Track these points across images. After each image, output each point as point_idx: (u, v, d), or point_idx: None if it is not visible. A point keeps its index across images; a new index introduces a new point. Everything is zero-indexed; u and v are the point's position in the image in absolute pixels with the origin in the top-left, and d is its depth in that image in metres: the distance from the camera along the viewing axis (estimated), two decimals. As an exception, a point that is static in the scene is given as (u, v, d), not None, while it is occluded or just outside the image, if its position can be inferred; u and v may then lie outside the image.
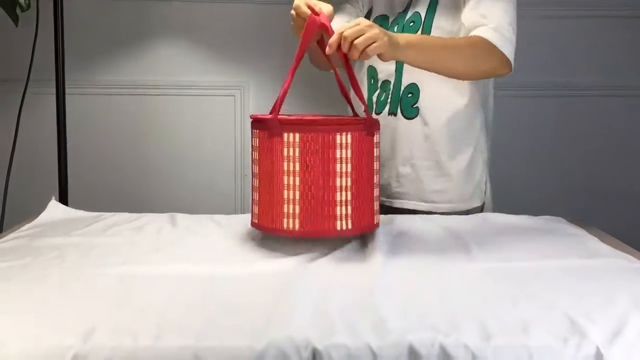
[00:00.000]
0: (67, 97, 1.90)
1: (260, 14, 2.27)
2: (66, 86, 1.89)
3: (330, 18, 1.28)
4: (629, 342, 0.85)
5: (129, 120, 2.32)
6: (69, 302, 0.96)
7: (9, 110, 2.20)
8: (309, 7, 1.26)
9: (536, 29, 2.27)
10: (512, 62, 1.43)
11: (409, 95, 1.54)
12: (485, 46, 1.40)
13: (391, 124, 1.56)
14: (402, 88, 1.55)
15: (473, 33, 1.42)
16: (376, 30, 1.22)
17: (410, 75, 1.53)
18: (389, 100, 1.57)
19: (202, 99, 2.32)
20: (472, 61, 1.41)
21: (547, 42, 2.31)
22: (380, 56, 1.26)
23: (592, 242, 1.32)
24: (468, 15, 1.46)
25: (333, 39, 1.21)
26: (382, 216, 1.31)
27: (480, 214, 1.53)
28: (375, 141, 1.23)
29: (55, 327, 0.86)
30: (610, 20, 2.30)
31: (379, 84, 1.59)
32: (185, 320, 0.89)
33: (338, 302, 0.95)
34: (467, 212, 1.58)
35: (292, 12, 1.30)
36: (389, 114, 1.57)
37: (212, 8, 2.28)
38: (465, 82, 1.53)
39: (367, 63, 1.62)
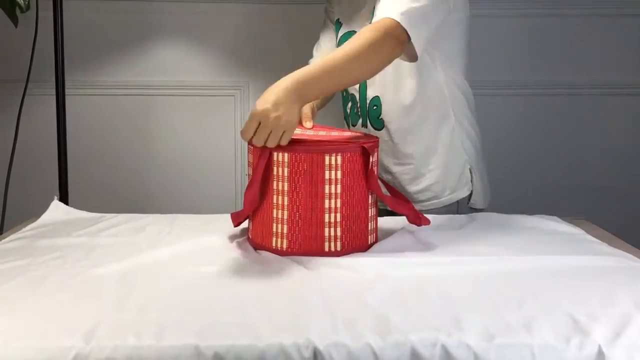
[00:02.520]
0: (66, 97, 1.90)
1: (260, 14, 2.27)
2: (66, 87, 1.89)
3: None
4: (631, 342, 0.85)
5: (129, 120, 2.32)
6: (70, 302, 0.96)
7: (9, 111, 2.20)
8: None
9: (528, 27, 2.29)
10: (410, 28, 1.29)
11: (374, 107, 1.56)
12: (379, 34, 1.28)
13: None
14: (368, 101, 1.57)
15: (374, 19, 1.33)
16: (265, 118, 1.13)
17: (373, 88, 1.55)
18: (358, 112, 1.60)
19: (202, 99, 2.32)
20: (373, 60, 1.29)
21: (538, 40, 2.31)
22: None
23: (591, 241, 1.32)
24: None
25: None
26: (381, 219, 1.31)
27: (477, 214, 1.53)
28: (372, 160, 1.20)
29: (56, 328, 0.86)
30: (599, 19, 2.30)
31: (350, 97, 1.63)
32: (187, 319, 0.89)
33: (339, 302, 0.95)
34: (457, 204, 1.59)
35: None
36: (362, 126, 1.60)
37: (212, 8, 2.28)
38: (428, 86, 1.51)
39: None
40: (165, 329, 0.86)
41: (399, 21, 1.28)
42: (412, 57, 1.36)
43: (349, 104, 1.63)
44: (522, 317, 0.91)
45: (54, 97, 1.88)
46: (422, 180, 1.58)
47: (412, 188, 1.59)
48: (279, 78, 1.22)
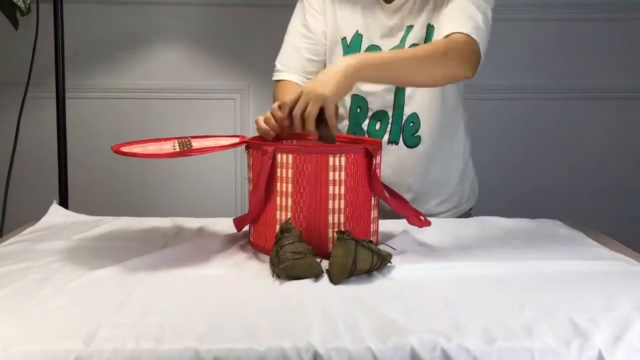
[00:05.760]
0: (67, 100, 1.90)
1: (260, 17, 2.28)
2: (66, 90, 1.90)
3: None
4: (632, 346, 0.85)
5: (129, 123, 2.32)
6: (70, 305, 0.95)
7: (9, 113, 2.20)
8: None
9: (527, 32, 2.29)
10: (482, 45, 1.34)
11: (411, 124, 1.53)
12: (458, 46, 1.31)
13: (392, 152, 1.53)
14: (404, 118, 1.53)
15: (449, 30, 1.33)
16: (312, 92, 1.17)
17: (411, 105, 1.52)
18: (388, 129, 1.54)
19: (203, 103, 2.33)
20: (441, 69, 1.31)
21: (537, 45, 2.32)
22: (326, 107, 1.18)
23: (592, 245, 1.32)
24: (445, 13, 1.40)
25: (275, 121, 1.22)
26: (382, 221, 1.31)
27: (478, 218, 1.54)
28: (375, 162, 1.20)
29: (56, 331, 0.86)
30: (598, 23, 2.31)
31: (369, 114, 1.56)
32: (187, 323, 0.89)
33: (340, 305, 0.95)
34: (465, 214, 1.65)
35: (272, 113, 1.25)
36: (388, 143, 1.55)
37: (212, 12, 2.28)
38: (454, 95, 1.55)
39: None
40: (165, 332, 0.86)
41: (475, 38, 1.31)
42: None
43: (366, 121, 1.56)
44: (522, 321, 0.90)
45: (54, 99, 1.88)
46: (442, 194, 1.60)
47: (433, 202, 1.59)
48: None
